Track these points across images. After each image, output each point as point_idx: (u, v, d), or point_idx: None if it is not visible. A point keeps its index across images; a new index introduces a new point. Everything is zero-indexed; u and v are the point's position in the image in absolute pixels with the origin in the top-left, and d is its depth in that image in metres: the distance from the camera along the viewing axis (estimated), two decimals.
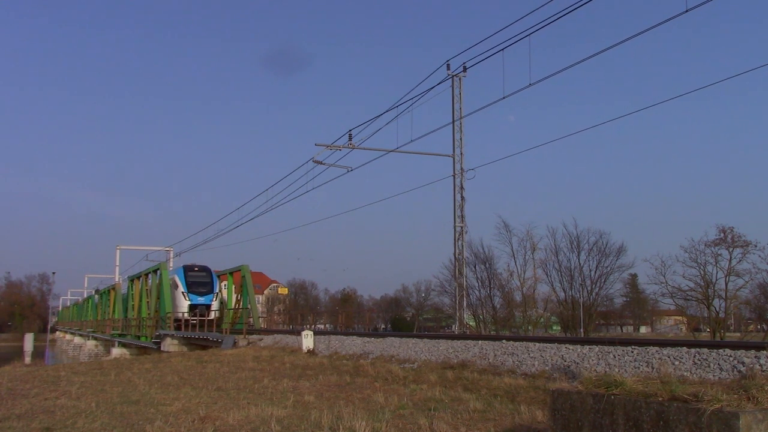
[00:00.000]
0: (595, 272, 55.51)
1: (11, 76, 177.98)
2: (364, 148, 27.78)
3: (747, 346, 9.97)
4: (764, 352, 9.15)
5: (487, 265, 54.86)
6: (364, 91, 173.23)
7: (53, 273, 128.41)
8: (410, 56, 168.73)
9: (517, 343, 13.97)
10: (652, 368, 9.75)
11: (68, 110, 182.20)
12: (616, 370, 10.12)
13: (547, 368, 11.43)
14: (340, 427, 7.71)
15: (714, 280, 46.74)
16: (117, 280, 65.31)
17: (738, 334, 60.58)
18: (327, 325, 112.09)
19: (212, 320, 34.71)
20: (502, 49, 18.96)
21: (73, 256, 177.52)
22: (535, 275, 56.74)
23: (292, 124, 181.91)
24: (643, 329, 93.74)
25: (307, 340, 19.85)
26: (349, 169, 28.70)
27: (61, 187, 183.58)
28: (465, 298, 31.88)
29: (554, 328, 64.63)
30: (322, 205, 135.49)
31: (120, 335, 50.34)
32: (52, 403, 10.88)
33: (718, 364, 9.25)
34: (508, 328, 54.24)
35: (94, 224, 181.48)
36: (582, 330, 54.03)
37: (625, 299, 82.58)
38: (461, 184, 29.03)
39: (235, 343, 24.79)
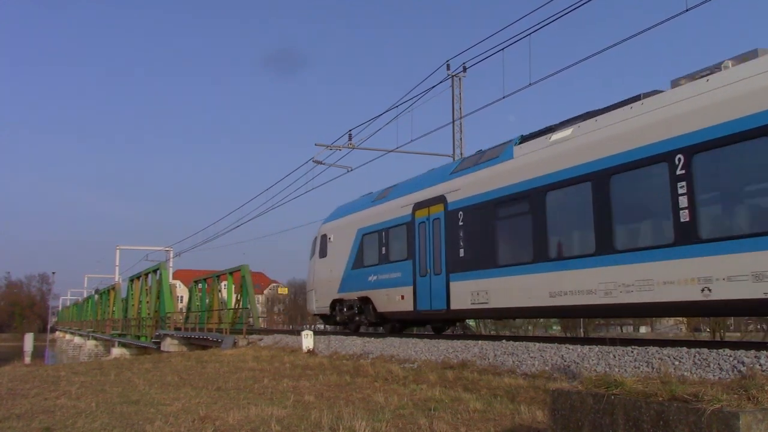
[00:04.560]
0: None
1: (12, 76, 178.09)
2: (364, 148, 27.64)
3: (747, 346, 9.97)
4: (764, 352, 9.15)
5: None
6: (364, 91, 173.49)
7: (53, 273, 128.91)
8: (410, 56, 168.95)
9: (517, 343, 13.96)
10: (652, 368, 9.75)
11: (68, 110, 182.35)
12: (616, 370, 10.12)
13: (547, 368, 11.43)
14: (340, 427, 7.71)
15: None
16: (117, 280, 65.33)
17: (738, 334, 60.60)
18: (327, 325, 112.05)
19: None
20: (502, 49, 18.88)
21: (73, 256, 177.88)
22: None
23: (292, 124, 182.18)
24: (643, 329, 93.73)
25: (307, 340, 19.85)
26: (349, 169, 28.66)
27: (61, 187, 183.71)
28: None
29: (554, 327, 64.63)
30: (319, 205, 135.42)
31: (120, 335, 50.36)
32: (52, 403, 10.88)
33: (718, 364, 9.25)
34: (508, 328, 54.23)
35: (94, 224, 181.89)
36: (582, 330, 54.01)
37: None
38: None
39: (235, 343, 24.80)
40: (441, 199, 16.59)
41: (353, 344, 18.66)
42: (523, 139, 14.57)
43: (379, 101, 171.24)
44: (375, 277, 19.43)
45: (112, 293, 60.88)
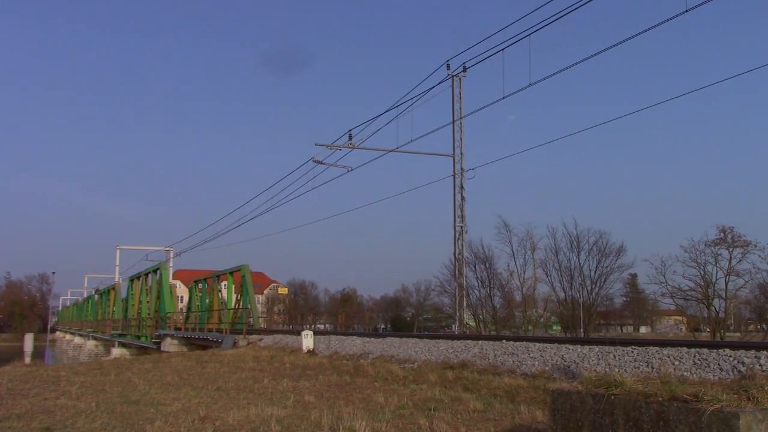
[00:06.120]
0: (595, 272, 55.56)
1: (11, 76, 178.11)
2: (364, 148, 27.72)
3: (747, 346, 9.97)
4: (764, 352, 9.15)
5: (487, 265, 54.95)
6: (364, 91, 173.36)
7: (53, 273, 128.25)
8: (410, 56, 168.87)
9: (517, 343, 13.97)
10: (652, 368, 9.75)
11: (68, 110, 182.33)
12: (616, 370, 10.12)
13: (547, 368, 11.43)
14: (340, 427, 7.72)
15: (714, 280, 46.77)
16: (117, 280, 65.28)
17: (738, 334, 60.60)
18: (327, 325, 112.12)
19: None
20: (502, 49, 18.90)
21: (73, 256, 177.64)
22: (535, 275, 56.77)
23: (292, 124, 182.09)
24: (643, 329, 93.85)
25: (307, 340, 19.86)
26: (349, 169, 28.63)
27: (61, 187, 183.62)
28: (465, 298, 31.90)
29: (554, 328, 64.68)
30: (319, 206, 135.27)
31: (120, 335, 50.33)
32: (52, 403, 10.88)
33: (718, 364, 9.25)
34: (508, 328, 54.26)
35: (94, 224, 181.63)
36: (582, 330, 54.05)
37: (625, 299, 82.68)
38: (461, 184, 29.04)
39: (235, 343, 24.80)
40: None
41: (353, 344, 18.67)
42: None
43: (379, 101, 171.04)
44: None
45: (112, 293, 60.83)
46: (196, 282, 41.34)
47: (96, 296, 72.96)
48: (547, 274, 56.64)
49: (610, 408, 4.49)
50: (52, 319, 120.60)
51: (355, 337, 20.95)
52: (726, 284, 46.98)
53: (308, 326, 77.16)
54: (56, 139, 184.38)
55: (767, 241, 53.27)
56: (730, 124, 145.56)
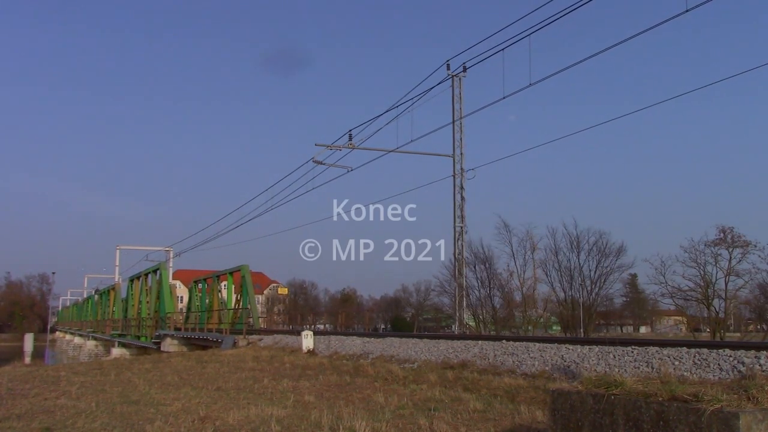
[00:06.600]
0: (595, 272, 55.52)
1: (11, 76, 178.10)
2: (364, 148, 27.74)
3: (747, 346, 9.97)
4: (764, 352, 9.15)
5: (487, 265, 54.92)
6: (364, 91, 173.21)
7: (53, 273, 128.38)
8: (410, 56, 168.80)
9: (517, 343, 13.97)
10: (652, 368, 9.75)
11: (68, 110, 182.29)
12: (616, 370, 10.12)
13: (547, 368, 11.43)
14: (340, 427, 7.72)
15: (714, 280, 46.72)
16: (117, 280, 65.28)
17: (738, 334, 60.61)
18: (327, 325, 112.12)
19: None
20: (502, 49, 18.91)
21: (73, 256, 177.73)
22: (535, 275, 56.71)
23: (292, 124, 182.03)
24: (643, 329, 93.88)
25: (307, 340, 19.87)
26: (349, 169, 28.62)
27: (61, 187, 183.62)
28: (465, 298, 31.89)
29: (554, 328, 64.68)
30: (319, 206, 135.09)
31: (120, 335, 50.33)
32: (52, 403, 10.88)
33: (718, 364, 9.25)
34: (508, 328, 54.25)
35: (94, 224, 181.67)
36: (582, 330, 54.05)
37: (625, 299, 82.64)
38: (461, 184, 29.04)
39: (234, 343, 24.80)
40: None
41: (353, 344, 18.67)
42: None
43: (379, 101, 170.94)
44: None
45: (112, 293, 60.84)
46: (196, 282, 41.33)
47: (96, 296, 72.95)
48: (547, 275, 56.61)
49: (610, 408, 4.49)
50: (52, 319, 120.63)
51: (355, 337, 20.96)
52: (726, 284, 46.96)
53: (308, 326, 77.17)
54: (56, 139, 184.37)
55: (767, 241, 53.27)
56: (730, 124, 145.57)
